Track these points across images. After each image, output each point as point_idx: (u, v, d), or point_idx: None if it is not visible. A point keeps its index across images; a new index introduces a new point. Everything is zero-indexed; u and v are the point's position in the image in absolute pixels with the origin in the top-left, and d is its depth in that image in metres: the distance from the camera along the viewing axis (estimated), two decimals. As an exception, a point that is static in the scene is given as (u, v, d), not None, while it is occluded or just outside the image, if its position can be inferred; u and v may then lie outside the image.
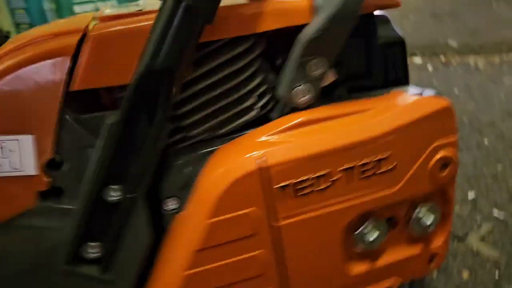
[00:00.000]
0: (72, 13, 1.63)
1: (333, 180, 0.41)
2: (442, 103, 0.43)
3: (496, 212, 0.77)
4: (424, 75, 1.56)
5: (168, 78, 0.37)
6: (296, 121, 0.42)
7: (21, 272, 0.42)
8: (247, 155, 0.39)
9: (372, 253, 0.47)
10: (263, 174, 0.39)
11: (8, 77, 0.38)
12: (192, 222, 0.41)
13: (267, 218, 0.41)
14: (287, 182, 0.40)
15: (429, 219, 0.46)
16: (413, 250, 0.48)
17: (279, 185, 0.40)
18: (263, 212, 0.40)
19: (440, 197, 0.47)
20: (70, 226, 0.41)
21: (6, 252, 0.42)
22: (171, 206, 0.43)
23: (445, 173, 0.45)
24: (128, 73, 0.40)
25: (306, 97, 0.42)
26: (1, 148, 0.40)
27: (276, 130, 0.41)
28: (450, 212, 0.48)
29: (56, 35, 0.41)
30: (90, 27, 0.40)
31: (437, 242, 0.49)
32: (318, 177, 0.41)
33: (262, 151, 0.40)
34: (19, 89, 0.39)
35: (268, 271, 0.43)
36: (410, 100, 0.44)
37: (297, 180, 0.40)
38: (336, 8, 0.38)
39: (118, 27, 0.39)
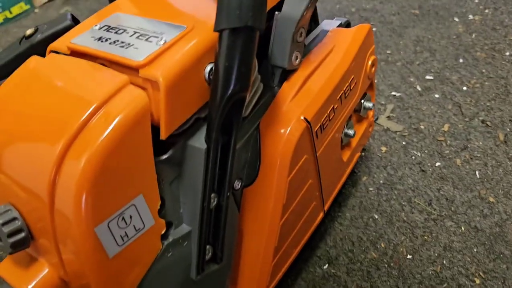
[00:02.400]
0: None
1: (335, 109, 0.57)
2: (366, 27, 0.61)
3: (393, 93, 0.96)
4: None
5: (243, 95, 0.44)
6: (303, 80, 0.54)
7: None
8: (295, 119, 0.51)
9: (349, 142, 0.67)
10: (308, 128, 0.52)
11: (108, 159, 0.38)
12: (271, 185, 0.52)
13: (312, 156, 0.55)
14: (318, 126, 0.54)
15: (370, 104, 0.68)
16: (363, 127, 0.70)
17: (315, 130, 0.54)
18: (311, 153, 0.55)
19: (370, 86, 0.68)
20: (191, 244, 0.48)
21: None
22: (238, 185, 0.52)
23: (373, 70, 0.65)
24: (195, 101, 0.45)
25: (298, 59, 0.54)
26: (123, 219, 0.41)
27: (295, 91, 0.53)
28: (374, 94, 0.71)
29: (107, 100, 0.40)
30: (145, 73, 0.41)
31: (371, 115, 0.72)
32: (329, 112, 0.56)
33: (300, 111, 0.52)
34: (121, 163, 0.40)
35: (315, 188, 0.59)
36: (349, 34, 0.60)
37: (322, 121, 0.55)
38: (315, -10, 0.50)
39: (178, 67, 0.42)
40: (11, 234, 0.41)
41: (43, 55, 0.50)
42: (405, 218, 0.73)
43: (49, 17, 1.60)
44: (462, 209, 0.73)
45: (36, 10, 1.64)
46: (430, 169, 0.80)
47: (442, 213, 0.73)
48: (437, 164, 0.81)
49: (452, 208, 0.74)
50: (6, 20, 1.57)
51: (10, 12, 1.57)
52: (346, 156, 0.67)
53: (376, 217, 0.74)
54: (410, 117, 0.91)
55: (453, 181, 0.78)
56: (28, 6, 1.62)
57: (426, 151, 0.84)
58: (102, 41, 0.47)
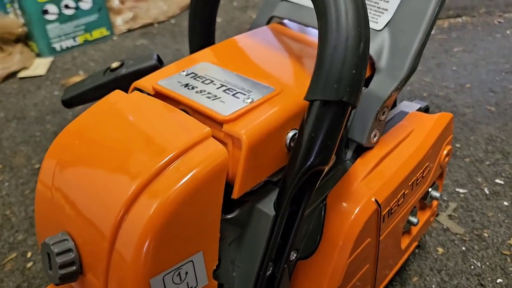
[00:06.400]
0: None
1: (405, 195, 0.55)
2: (448, 116, 0.60)
3: (458, 189, 0.90)
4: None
5: (323, 169, 0.42)
6: (378, 160, 0.52)
7: None
8: (366, 199, 0.49)
9: (409, 229, 0.64)
10: (378, 210, 0.50)
11: (177, 211, 0.37)
12: (329, 264, 0.49)
13: (376, 240, 0.52)
14: (387, 209, 0.52)
15: (437, 193, 0.65)
16: (426, 215, 0.67)
17: (383, 214, 0.51)
18: (375, 237, 0.52)
19: (439, 175, 0.66)
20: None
21: None
22: (293, 256, 0.50)
23: (446, 159, 0.63)
24: (272, 165, 0.44)
25: (377, 137, 0.53)
26: (179, 274, 0.39)
27: (369, 170, 0.51)
28: (442, 184, 0.68)
29: (187, 149, 0.40)
30: (228, 129, 0.41)
31: (435, 205, 0.68)
32: (399, 197, 0.54)
33: (372, 192, 0.50)
34: (189, 216, 0.38)
35: (370, 273, 0.55)
36: (431, 120, 0.59)
37: (391, 206, 0.52)
38: (408, 72, 0.49)
39: (262, 128, 0.41)
40: (63, 266, 0.40)
41: (125, 89, 0.51)
42: (454, 335, 0.66)
43: (125, 46, 1.67)
44: None
45: (115, 38, 1.72)
46: (490, 285, 0.72)
47: None
48: (499, 280, 0.73)
49: (509, 337, 0.66)
50: (86, 41, 1.68)
51: (91, 35, 1.68)
52: (405, 244, 0.63)
53: (422, 326, 0.68)
54: (474, 221, 0.83)
55: (514, 305, 0.70)
56: (108, 33, 1.73)
57: (487, 263, 0.75)
58: (188, 88, 0.47)
